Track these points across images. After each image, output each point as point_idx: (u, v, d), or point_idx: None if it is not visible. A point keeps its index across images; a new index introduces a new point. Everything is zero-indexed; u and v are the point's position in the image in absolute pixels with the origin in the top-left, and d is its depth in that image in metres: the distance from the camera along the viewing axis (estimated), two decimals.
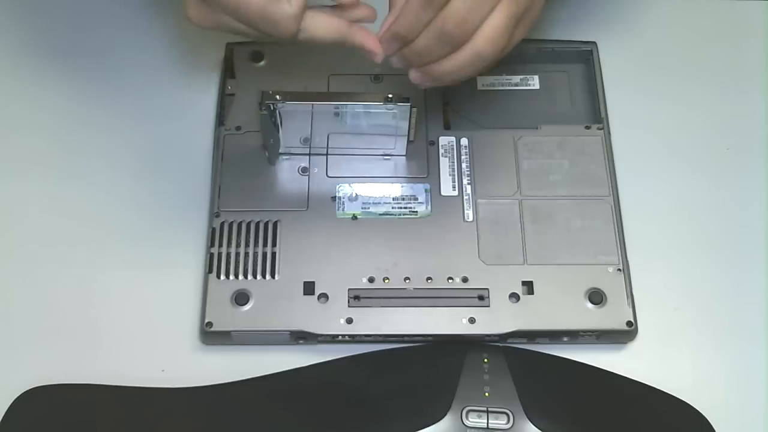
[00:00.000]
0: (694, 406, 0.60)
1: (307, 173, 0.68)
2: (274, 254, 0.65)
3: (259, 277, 0.64)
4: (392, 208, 0.66)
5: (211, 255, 0.64)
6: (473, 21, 0.49)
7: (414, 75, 0.55)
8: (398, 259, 0.64)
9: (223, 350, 0.63)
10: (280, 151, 0.68)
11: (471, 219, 0.66)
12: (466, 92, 0.72)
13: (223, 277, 0.64)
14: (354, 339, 0.63)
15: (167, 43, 0.75)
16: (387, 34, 0.51)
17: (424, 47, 0.51)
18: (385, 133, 0.66)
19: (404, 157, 0.68)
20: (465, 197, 0.67)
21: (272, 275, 0.64)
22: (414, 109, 0.65)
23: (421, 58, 0.52)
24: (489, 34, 0.50)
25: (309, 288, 0.63)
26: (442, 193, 0.67)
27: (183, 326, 0.64)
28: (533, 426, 0.58)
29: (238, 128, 0.69)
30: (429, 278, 0.64)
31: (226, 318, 0.62)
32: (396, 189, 0.67)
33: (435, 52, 0.51)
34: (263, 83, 0.64)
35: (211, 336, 0.63)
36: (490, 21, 0.50)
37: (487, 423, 0.58)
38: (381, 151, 0.68)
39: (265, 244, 0.65)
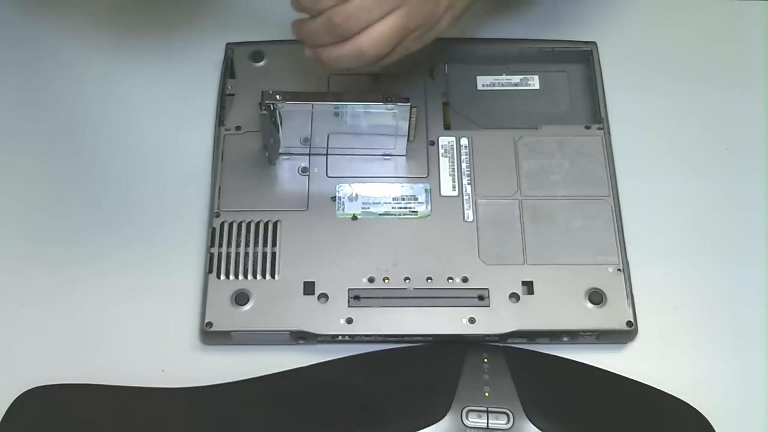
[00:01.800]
0: (694, 406, 0.61)
1: (307, 173, 0.68)
2: (274, 254, 0.64)
3: (259, 277, 0.64)
4: (392, 208, 0.66)
5: (211, 255, 0.64)
6: (359, 20, 0.53)
7: (307, 51, 0.59)
8: (398, 259, 0.64)
9: (223, 350, 0.63)
10: (280, 151, 0.68)
11: (471, 219, 0.66)
12: (466, 92, 0.72)
13: (223, 277, 0.64)
14: (354, 339, 0.63)
15: (167, 43, 0.75)
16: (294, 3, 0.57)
17: (314, 30, 0.56)
18: (385, 133, 0.66)
19: (404, 157, 0.68)
20: (465, 197, 0.67)
21: (272, 275, 0.64)
22: (414, 109, 0.65)
23: (311, 38, 0.57)
24: (373, 36, 0.55)
25: (309, 288, 0.63)
26: (442, 193, 0.67)
27: (183, 326, 0.64)
28: (533, 426, 0.58)
29: (238, 128, 0.69)
30: (429, 278, 0.64)
31: (226, 318, 0.62)
32: (396, 189, 0.67)
33: (322, 37, 0.56)
34: (263, 83, 0.64)
35: (211, 336, 0.63)
36: (378, 26, 0.54)
37: (487, 423, 0.58)
38: (381, 151, 0.68)
39: (265, 244, 0.65)
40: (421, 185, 0.67)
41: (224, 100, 0.71)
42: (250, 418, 0.60)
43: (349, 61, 0.57)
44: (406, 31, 0.56)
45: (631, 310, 0.63)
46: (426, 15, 0.57)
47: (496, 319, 0.62)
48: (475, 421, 0.58)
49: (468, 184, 0.67)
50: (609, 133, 0.69)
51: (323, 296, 0.63)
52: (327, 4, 0.54)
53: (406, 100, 0.63)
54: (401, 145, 0.68)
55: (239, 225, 0.65)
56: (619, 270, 0.64)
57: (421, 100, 0.70)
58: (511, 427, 0.58)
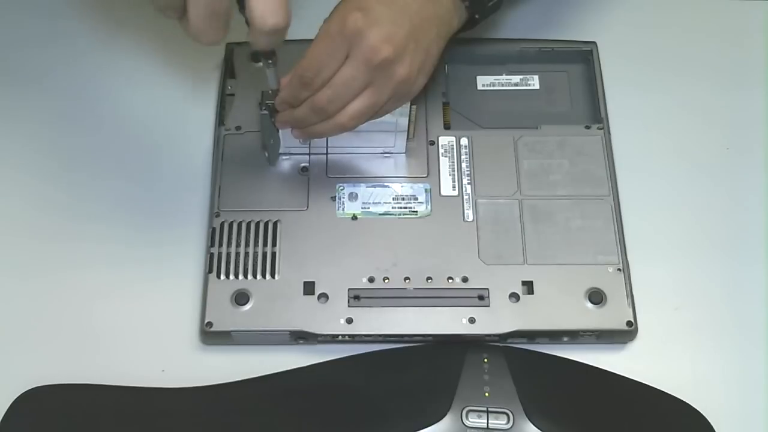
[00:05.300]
0: (694, 406, 0.61)
1: (307, 173, 0.68)
2: (274, 254, 0.65)
3: (259, 277, 0.64)
4: (392, 208, 0.66)
5: (211, 255, 0.64)
6: (339, 101, 0.60)
7: (295, 133, 0.64)
8: (398, 259, 0.64)
9: (223, 350, 0.63)
10: (280, 151, 0.68)
11: (471, 219, 0.66)
12: (466, 92, 0.72)
13: (223, 277, 0.64)
14: (354, 339, 0.63)
15: (168, 43, 0.75)
16: (278, 101, 0.63)
17: (303, 115, 0.62)
18: (385, 129, 0.66)
19: (404, 157, 0.68)
20: (465, 197, 0.67)
21: (272, 275, 0.64)
22: (413, 107, 0.65)
23: (299, 123, 0.63)
24: (350, 113, 0.61)
25: (309, 288, 0.63)
26: (442, 193, 0.67)
27: (183, 326, 0.64)
28: (533, 426, 0.58)
29: (238, 128, 0.69)
30: (429, 278, 0.64)
31: (226, 318, 0.62)
32: (396, 189, 0.67)
33: (309, 119, 0.62)
34: (263, 83, 0.64)
35: (211, 336, 0.63)
36: (353, 104, 0.60)
37: (487, 423, 0.58)
38: (381, 150, 0.68)
39: (265, 244, 0.65)
40: (421, 185, 0.67)
41: (224, 100, 0.71)
42: (250, 418, 0.60)
43: (336, 132, 0.63)
44: (378, 105, 0.61)
45: (631, 309, 0.63)
46: (395, 87, 0.60)
47: (496, 319, 0.62)
48: (475, 421, 0.58)
49: (468, 183, 0.67)
50: (609, 132, 0.69)
51: (323, 296, 0.63)
52: (305, 95, 0.60)
53: None
54: (401, 143, 0.68)
55: (239, 225, 0.65)
56: (619, 270, 0.64)
57: (421, 100, 0.70)
58: (511, 427, 0.58)
